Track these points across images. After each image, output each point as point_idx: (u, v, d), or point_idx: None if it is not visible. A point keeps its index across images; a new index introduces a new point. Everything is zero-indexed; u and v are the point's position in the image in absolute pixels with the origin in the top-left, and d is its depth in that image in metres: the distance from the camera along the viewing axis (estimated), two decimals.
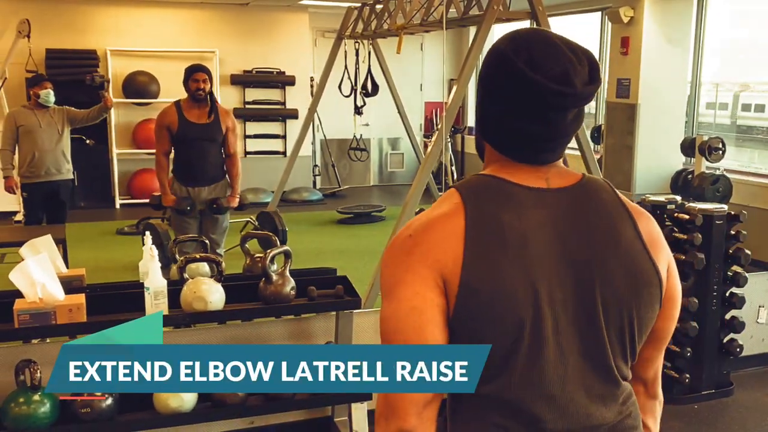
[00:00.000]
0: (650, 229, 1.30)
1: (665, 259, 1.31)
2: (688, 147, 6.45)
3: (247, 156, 10.39)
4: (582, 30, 9.53)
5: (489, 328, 1.19)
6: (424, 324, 1.19)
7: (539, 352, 1.21)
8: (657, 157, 7.35)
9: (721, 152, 6.22)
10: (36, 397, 2.89)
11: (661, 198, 4.36)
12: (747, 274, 4.20)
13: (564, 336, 1.22)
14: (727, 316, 4.23)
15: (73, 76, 8.95)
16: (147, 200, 9.38)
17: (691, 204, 4.20)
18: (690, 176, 6.49)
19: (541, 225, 1.23)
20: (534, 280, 1.20)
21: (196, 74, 5.07)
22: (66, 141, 6.10)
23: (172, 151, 5.29)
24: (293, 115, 10.45)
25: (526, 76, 1.20)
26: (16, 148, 5.98)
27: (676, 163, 7.41)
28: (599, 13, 8.96)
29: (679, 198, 4.41)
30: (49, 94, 5.93)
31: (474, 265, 1.18)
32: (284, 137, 10.63)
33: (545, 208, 1.24)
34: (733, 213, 4.19)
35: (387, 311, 1.22)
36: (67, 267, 5.00)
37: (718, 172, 6.42)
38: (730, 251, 4.16)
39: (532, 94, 1.20)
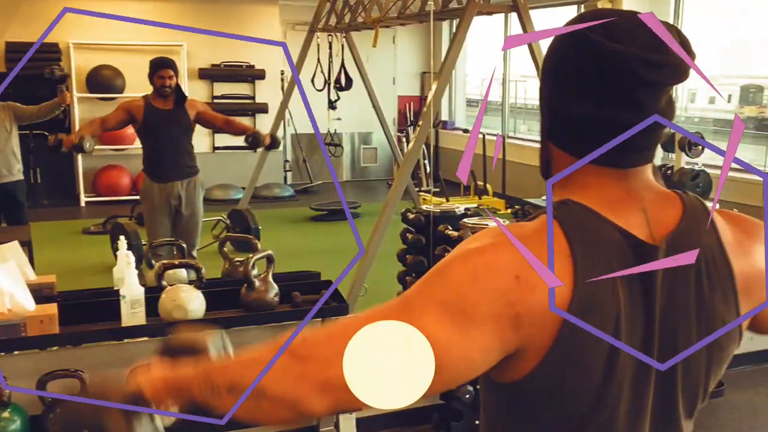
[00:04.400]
0: (748, 270, 1.11)
1: (758, 297, 1.13)
2: (667, 142, 6.40)
3: (216, 151, 10.19)
4: (558, 25, 9.47)
5: (562, 400, 1.05)
6: (468, 376, 1.02)
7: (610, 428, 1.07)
8: None
9: (700, 147, 6.19)
10: (5, 414, 2.75)
11: None
12: None
13: (637, 413, 1.08)
14: None
15: (34, 70, 8.63)
16: (114, 198, 9.28)
17: None
18: (670, 171, 6.44)
19: (639, 300, 1.03)
20: (617, 361, 1.03)
21: (161, 71, 4.94)
22: (15, 140, 5.78)
23: (137, 142, 5.14)
24: (263, 109, 10.28)
25: (608, 49, 0.97)
26: None
27: (656, 158, 7.35)
28: (575, 6, 8.90)
29: None
30: None
31: (567, 338, 1.00)
32: None
33: (647, 277, 1.04)
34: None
35: (444, 338, 0.96)
36: (33, 269, 4.79)
37: (697, 168, 6.38)
38: None
39: (619, 69, 0.97)
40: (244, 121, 10.40)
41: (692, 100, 8.37)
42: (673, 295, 1.05)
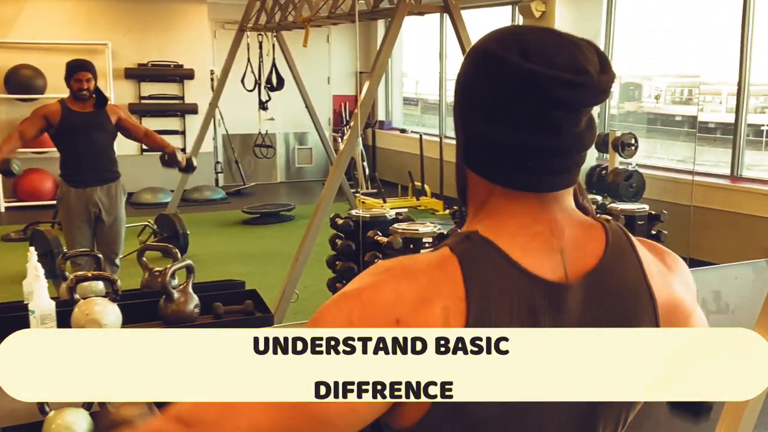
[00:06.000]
0: (669, 298, 1.05)
1: (678, 325, 1.07)
2: (601, 143, 6.45)
3: (144, 153, 9.90)
4: (492, 26, 9.48)
5: None
6: (357, 426, 0.94)
7: None
8: None
9: (633, 148, 6.24)
10: None
11: None
12: None
13: None
14: None
15: None
16: (36, 203, 8.91)
17: (613, 204, 4.12)
18: (604, 172, 6.49)
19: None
20: (515, 413, 0.96)
21: (78, 74, 4.70)
22: None
23: (56, 148, 4.91)
24: (192, 110, 10.03)
25: (523, 69, 0.91)
26: None
27: (591, 158, 7.41)
28: (510, 7, 8.91)
29: (600, 198, 4.32)
30: None
31: None
32: (183, 133, 10.19)
33: (558, 314, 0.96)
34: (653, 212, 4.12)
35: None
36: None
37: (630, 168, 6.44)
38: None
39: (534, 90, 0.91)
40: (173, 122, 10.18)
41: None
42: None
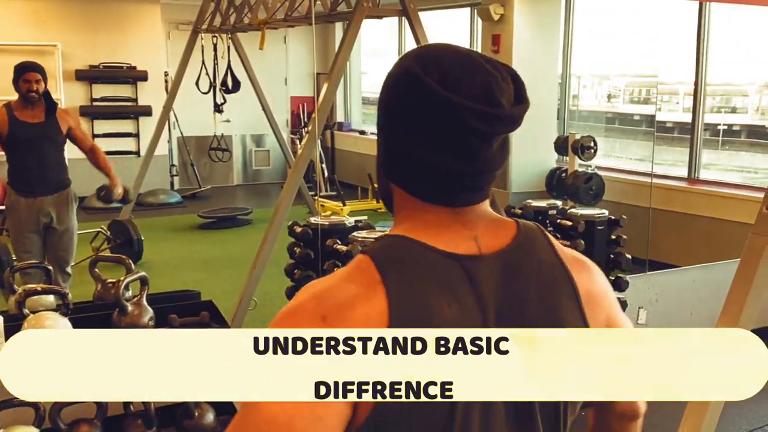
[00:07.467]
0: (590, 287, 1.11)
1: (603, 318, 1.12)
2: (561, 146, 6.47)
3: None
4: (451, 29, 9.48)
5: None
6: None
7: None
8: (532, 155, 7.30)
9: (593, 151, 6.27)
10: None
11: (543, 203, 4.26)
12: (627, 278, 4.16)
13: None
14: None
15: None
16: None
17: (573, 210, 4.12)
18: (564, 175, 6.51)
19: (472, 309, 1.01)
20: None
21: (27, 74, 4.56)
22: None
23: (4, 154, 4.76)
24: (146, 112, 9.87)
25: (440, 97, 0.98)
26: None
27: (551, 161, 7.43)
28: (468, 9, 8.91)
29: (560, 203, 4.33)
30: None
31: None
32: (137, 136, 10.02)
33: (477, 285, 1.02)
34: (613, 218, 4.14)
35: (281, 412, 0.92)
36: None
37: (590, 170, 6.47)
38: (611, 256, 4.11)
39: (450, 118, 0.98)
40: (127, 125, 9.98)
41: None
42: (515, 308, 1.03)
